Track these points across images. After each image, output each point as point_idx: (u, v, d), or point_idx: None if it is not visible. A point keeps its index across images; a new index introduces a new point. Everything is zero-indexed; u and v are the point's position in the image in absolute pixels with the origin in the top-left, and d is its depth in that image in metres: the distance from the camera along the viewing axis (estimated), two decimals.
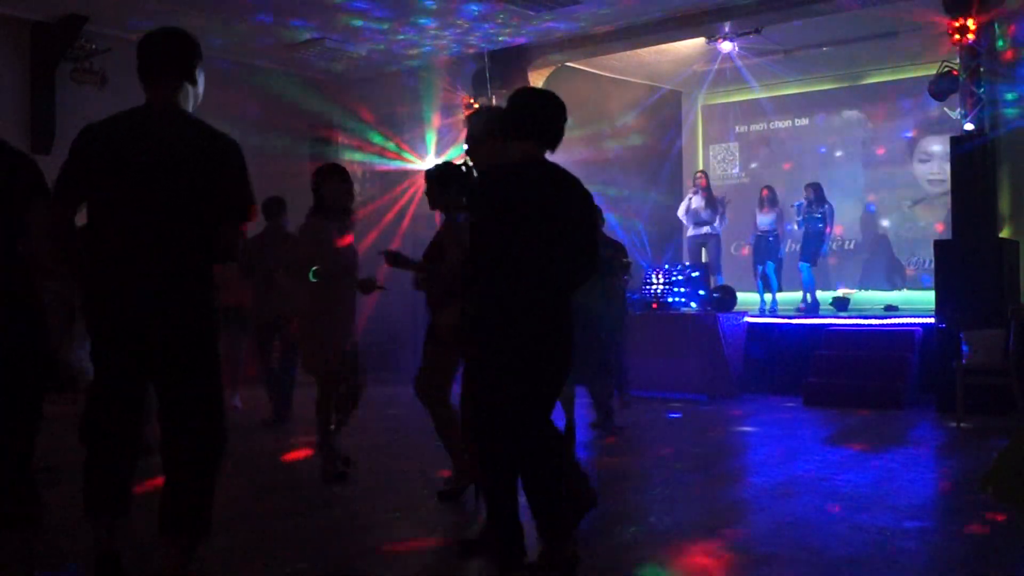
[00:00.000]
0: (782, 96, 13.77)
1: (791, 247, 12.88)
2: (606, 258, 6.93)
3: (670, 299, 10.77)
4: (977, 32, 8.71)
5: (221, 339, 7.46)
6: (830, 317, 10.44)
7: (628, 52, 11.56)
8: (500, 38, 11.00)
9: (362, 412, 5.81)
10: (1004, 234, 8.87)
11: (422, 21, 10.30)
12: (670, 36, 10.84)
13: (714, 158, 14.93)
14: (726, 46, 11.25)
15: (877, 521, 4.54)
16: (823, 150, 14.06)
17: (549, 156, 3.60)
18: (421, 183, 5.62)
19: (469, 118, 4.24)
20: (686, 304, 10.70)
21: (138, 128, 3.19)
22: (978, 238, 8.64)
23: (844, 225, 13.28)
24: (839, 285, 13.13)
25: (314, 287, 5.45)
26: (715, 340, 9.77)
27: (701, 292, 10.73)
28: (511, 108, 3.60)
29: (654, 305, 10.72)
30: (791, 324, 10.31)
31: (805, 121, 14.18)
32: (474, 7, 9.79)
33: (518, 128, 3.55)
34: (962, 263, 8.53)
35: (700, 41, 11.31)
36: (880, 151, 13.59)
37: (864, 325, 9.93)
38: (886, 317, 10.03)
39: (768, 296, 11.50)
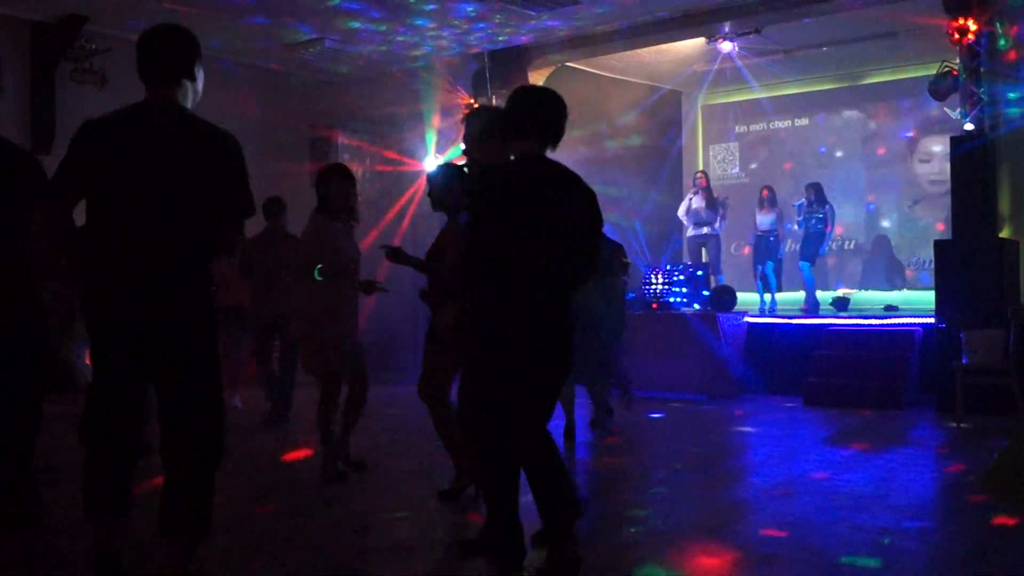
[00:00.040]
0: (782, 96, 13.77)
1: (791, 247, 12.89)
2: (605, 258, 6.93)
3: (670, 299, 10.79)
4: (977, 32, 8.70)
5: (221, 339, 7.46)
6: (830, 317, 10.43)
7: (628, 52, 11.56)
8: (500, 38, 11.00)
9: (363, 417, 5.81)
10: (1004, 234, 8.87)
11: (421, 22, 10.30)
12: (670, 36, 10.84)
13: (714, 158, 14.93)
14: (726, 46, 11.25)
15: (877, 521, 4.54)
16: (823, 150, 14.06)
17: (550, 154, 3.58)
18: (421, 184, 5.63)
19: (467, 118, 4.20)
20: (686, 304, 10.71)
21: (138, 125, 3.19)
22: (978, 238, 8.64)
23: (844, 225, 13.28)
24: (839, 285, 13.13)
25: (314, 287, 5.44)
26: (715, 340, 9.78)
27: (705, 292, 10.74)
28: (511, 106, 3.57)
29: (654, 305, 10.73)
30: (791, 324, 10.31)
31: (805, 121, 14.18)
32: (473, 7, 9.79)
33: (519, 127, 3.52)
34: (962, 263, 8.53)
35: (700, 41, 11.31)
36: (880, 151, 13.59)
37: (864, 325, 9.93)
38: (886, 317, 10.03)
39: (768, 296, 11.50)
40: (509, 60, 11.34)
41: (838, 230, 12.62)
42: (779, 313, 10.90)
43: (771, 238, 11.68)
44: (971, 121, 8.84)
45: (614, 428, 7.44)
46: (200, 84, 3.37)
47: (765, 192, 11.86)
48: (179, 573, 3.21)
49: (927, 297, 10.24)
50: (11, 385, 3.00)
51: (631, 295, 10.79)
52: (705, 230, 11.90)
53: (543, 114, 3.52)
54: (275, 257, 7.95)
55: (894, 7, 9.68)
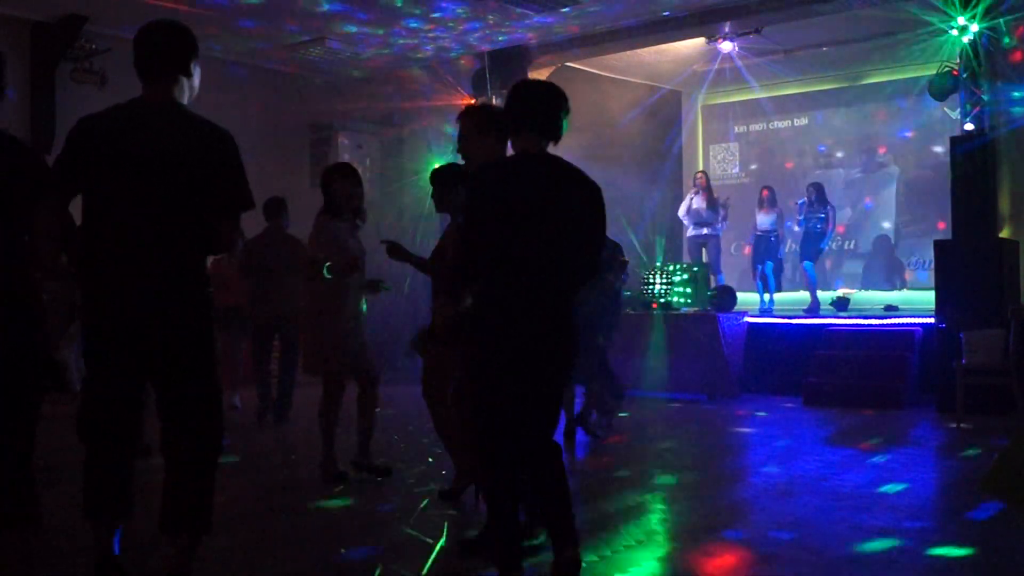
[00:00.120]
0: (782, 96, 13.76)
1: (791, 247, 12.89)
2: (604, 257, 6.92)
3: (670, 299, 10.78)
4: (979, 31, 8.69)
5: (221, 339, 7.47)
6: (830, 317, 10.43)
7: (628, 52, 11.56)
8: (500, 38, 11.00)
9: (351, 410, 5.80)
10: (1004, 234, 8.87)
11: (421, 22, 10.30)
12: (670, 36, 10.84)
13: (714, 158, 14.93)
14: (726, 46, 11.24)
15: (877, 521, 4.54)
16: (822, 149, 14.06)
17: (551, 149, 3.51)
18: (421, 184, 5.61)
19: (462, 115, 4.13)
20: (686, 304, 10.71)
21: (135, 121, 3.19)
22: (978, 238, 8.64)
23: (844, 225, 13.29)
24: (839, 285, 13.13)
25: (317, 287, 5.43)
26: (715, 340, 9.77)
27: (700, 292, 10.73)
28: (512, 101, 3.49)
29: (654, 305, 10.73)
30: (791, 324, 10.31)
31: (805, 121, 14.17)
32: (472, 7, 9.80)
33: (520, 121, 3.44)
34: (962, 263, 8.53)
35: (700, 41, 11.31)
36: (880, 151, 13.59)
37: (864, 325, 9.93)
38: (886, 317, 10.03)
39: (767, 296, 11.50)
40: (509, 60, 11.34)
41: (839, 229, 12.63)
42: (779, 313, 10.90)
43: (771, 238, 11.68)
44: (971, 121, 8.84)
45: (599, 432, 7.35)
46: (197, 81, 3.36)
47: (765, 192, 11.86)
48: (180, 571, 3.22)
49: (927, 297, 10.24)
50: (11, 385, 3.00)
51: (626, 293, 10.80)
52: (705, 230, 11.90)
53: (544, 108, 3.43)
54: (275, 257, 7.95)
55: (894, 7, 9.67)
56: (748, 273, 12.61)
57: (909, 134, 13.19)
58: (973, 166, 8.74)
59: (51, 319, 7.36)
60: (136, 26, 3.36)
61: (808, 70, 12.80)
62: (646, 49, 11.45)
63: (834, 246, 12.87)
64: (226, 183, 3.23)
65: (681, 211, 12.18)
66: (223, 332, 8.43)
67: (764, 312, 10.98)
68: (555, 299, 3.36)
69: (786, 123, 14.28)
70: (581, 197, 3.39)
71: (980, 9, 8.68)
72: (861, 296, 12.61)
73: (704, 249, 12.01)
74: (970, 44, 8.78)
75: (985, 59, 8.79)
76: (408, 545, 4.22)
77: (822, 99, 13.80)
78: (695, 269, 11.04)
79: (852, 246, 13.68)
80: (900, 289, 12.87)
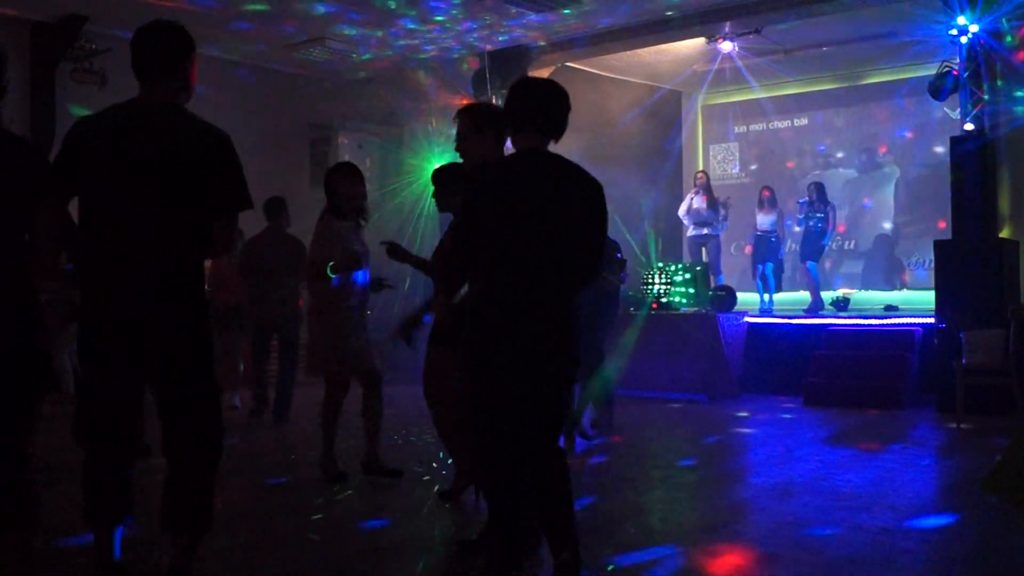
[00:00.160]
0: (782, 96, 13.77)
1: (791, 247, 12.89)
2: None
3: (670, 299, 10.79)
4: (980, 31, 8.69)
5: (221, 339, 7.46)
6: (830, 317, 10.44)
7: (628, 52, 11.56)
8: (500, 38, 11.00)
9: (353, 410, 5.80)
10: (1004, 234, 8.87)
11: (421, 22, 10.30)
12: (670, 36, 10.83)
13: (714, 158, 14.93)
14: (726, 46, 11.25)
15: (877, 521, 4.54)
16: (822, 149, 14.06)
17: (553, 148, 3.48)
18: (421, 184, 5.60)
19: (459, 113, 4.10)
20: (686, 304, 10.72)
21: (132, 122, 3.19)
22: (978, 238, 8.64)
23: (844, 225, 13.29)
24: (838, 283, 13.13)
25: (320, 287, 5.41)
26: (715, 340, 9.77)
27: (699, 292, 10.74)
28: (513, 99, 3.45)
29: (654, 305, 10.73)
30: (791, 324, 10.31)
31: (805, 121, 14.18)
32: (471, 7, 9.80)
33: (520, 120, 3.40)
34: (962, 263, 8.54)
35: (700, 41, 11.31)
36: (881, 151, 13.59)
37: (864, 325, 9.93)
38: (886, 317, 10.03)
39: (766, 296, 11.50)
40: (509, 60, 11.34)
41: (840, 228, 12.63)
42: (779, 313, 10.90)
43: (772, 239, 11.69)
44: (971, 121, 8.84)
45: (591, 432, 7.35)
46: (194, 81, 3.36)
47: (766, 193, 11.86)
48: (180, 571, 3.22)
49: (927, 297, 10.25)
50: (10, 384, 3.00)
51: (628, 294, 10.81)
52: (705, 230, 11.91)
53: (544, 107, 3.40)
54: (275, 257, 7.95)
55: (894, 7, 9.67)
56: (748, 273, 12.61)
57: (909, 134, 13.19)
58: (973, 166, 8.74)
59: (51, 319, 7.36)
60: (136, 26, 3.36)
61: (808, 70, 12.80)
62: (646, 49, 11.45)
63: (834, 246, 12.88)
64: (224, 183, 3.23)
65: (681, 211, 12.18)
66: (223, 332, 8.44)
67: (764, 312, 10.99)
68: (555, 299, 3.32)
69: (786, 123, 14.28)
70: (582, 196, 3.35)
71: (981, 9, 8.67)
72: (861, 296, 12.62)
73: (704, 249, 12.01)
74: (970, 44, 8.77)
75: (985, 59, 8.79)
76: (408, 545, 4.22)
77: (822, 99, 13.80)
78: (695, 269, 11.05)
79: (852, 246, 13.68)
80: (900, 289, 12.87)
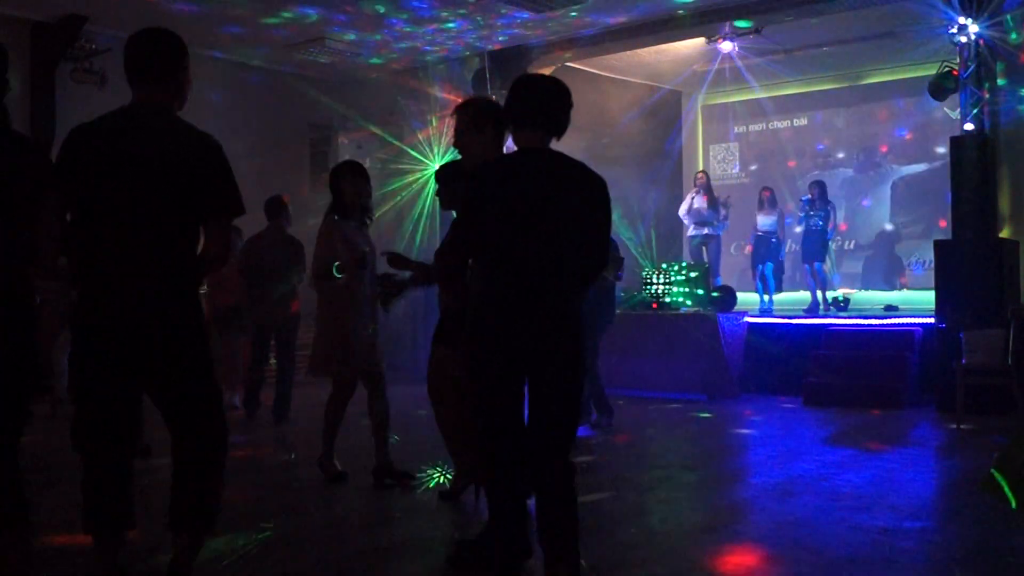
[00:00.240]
0: (782, 96, 13.77)
1: (791, 248, 12.89)
2: None
3: (670, 299, 10.79)
4: (983, 29, 8.68)
5: (221, 339, 7.43)
6: (830, 317, 10.44)
7: (628, 52, 11.57)
8: (500, 38, 11.01)
9: (357, 411, 5.80)
10: (1004, 234, 8.87)
11: (421, 22, 10.31)
12: (670, 36, 10.84)
13: (714, 158, 14.93)
14: (726, 46, 11.24)
15: (877, 521, 4.54)
16: (822, 149, 14.07)
17: (555, 146, 3.44)
18: (421, 184, 5.58)
19: (457, 109, 4.06)
20: (686, 304, 10.72)
21: (128, 125, 3.20)
22: (978, 238, 8.64)
23: (846, 224, 13.30)
24: (836, 280, 13.13)
25: (326, 288, 5.39)
26: (715, 340, 9.78)
27: (699, 292, 10.74)
28: (515, 96, 3.40)
29: (654, 305, 10.73)
30: (791, 324, 10.31)
31: (805, 121, 14.18)
32: (473, 7, 9.81)
33: (522, 117, 3.35)
34: (962, 263, 8.54)
35: (700, 41, 11.31)
36: (881, 150, 13.60)
37: (864, 325, 9.93)
38: (886, 317, 10.03)
39: (766, 297, 11.50)
40: (509, 60, 11.35)
41: (841, 227, 12.63)
42: (779, 313, 10.91)
43: (772, 240, 11.68)
44: (971, 121, 8.84)
45: (595, 432, 7.37)
46: (187, 87, 3.36)
47: (766, 193, 11.86)
48: (181, 571, 3.22)
49: (927, 297, 10.26)
50: (6, 384, 2.99)
51: (633, 295, 10.81)
52: (706, 230, 11.90)
53: (546, 104, 3.35)
54: (275, 257, 7.95)
55: (894, 7, 9.68)
56: (748, 273, 12.61)
57: (909, 134, 13.20)
58: (973, 166, 8.74)
59: (51, 319, 7.36)
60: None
61: (808, 70, 12.80)
62: (646, 49, 11.45)
63: (834, 246, 12.89)
64: (218, 188, 3.24)
65: (682, 211, 12.18)
66: (223, 332, 8.44)
67: (764, 312, 10.99)
68: (557, 299, 3.27)
69: (786, 123, 14.29)
70: (585, 194, 3.31)
71: (983, 7, 8.67)
72: (861, 296, 12.62)
73: (705, 249, 12.01)
74: (970, 44, 8.77)
75: (986, 59, 8.79)
76: (408, 545, 4.22)
77: (822, 99, 13.80)
78: (695, 269, 11.05)
79: (852, 246, 13.68)
80: (900, 289, 12.87)
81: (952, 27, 8.83)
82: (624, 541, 4.23)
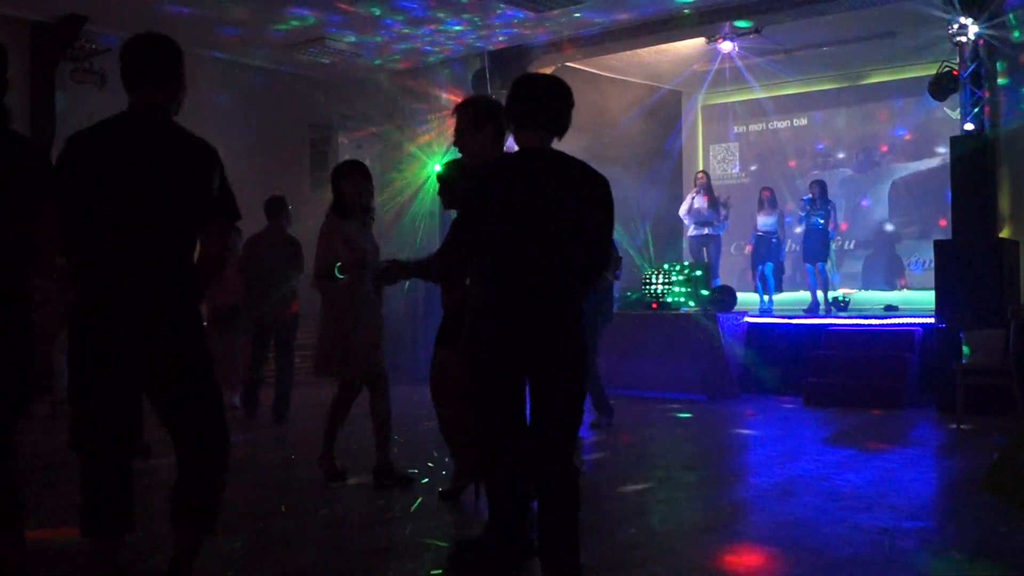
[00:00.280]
0: (782, 96, 13.78)
1: (791, 248, 12.89)
2: None
3: (670, 299, 10.79)
4: (984, 28, 8.68)
5: (222, 339, 7.41)
6: (830, 317, 10.44)
7: (628, 52, 11.56)
8: (500, 38, 11.01)
9: (362, 411, 5.79)
10: (1004, 234, 8.87)
11: (419, 22, 10.31)
12: (670, 36, 10.84)
13: (714, 158, 14.93)
14: (726, 46, 11.24)
15: (877, 521, 4.54)
16: (820, 147, 14.07)
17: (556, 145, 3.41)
18: (421, 183, 5.57)
19: (458, 108, 4.05)
20: (686, 304, 10.72)
21: (127, 127, 3.21)
22: (978, 238, 8.64)
23: (845, 224, 13.30)
24: (836, 281, 13.13)
25: (330, 289, 5.38)
26: (715, 340, 9.78)
27: (703, 292, 10.74)
28: (516, 96, 3.37)
29: (654, 305, 10.73)
30: (791, 324, 10.31)
31: (805, 121, 14.19)
32: (473, 7, 9.81)
33: (523, 117, 3.32)
34: (962, 263, 8.53)
35: (700, 41, 11.31)
36: (881, 150, 13.60)
37: (864, 325, 9.93)
38: (886, 317, 10.03)
39: (766, 297, 11.50)
40: (509, 60, 11.35)
41: (842, 227, 12.63)
42: (779, 313, 10.91)
43: (772, 240, 11.67)
44: (971, 121, 8.84)
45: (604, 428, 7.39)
46: (184, 92, 3.37)
47: (767, 193, 11.86)
48: (181, 571, 3.23)
49: (927, 297, 10.26)
50: (7, 385, 2.99)
51: (632, 295, 10.81)
52: (707, 230, 11.90)
53: (549, 104, 3.32)
54: (274, 257, 7.95)
55: (894, 7, 9.68)
56: (748, 273, 12.61)
57: (909, 134, 13.20)
58: (973, 166, 8.74)
59: (51, 319, 7.34)
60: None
61: (808, 70, 12.81)
62: (646, 49, 11.45)
63: (834, 246, 12.89)
64: (215, 194, 3.24)
65: (682, 211, 12.18)
66: (223, 332, 8.44)
67: (764, 312, 10.99)
68: (557, 299, 3.25)
69: (786, 123, 14.29)
70: (587, 194, 3.28)
71: (982, 8, 8.66)
72: (861, 296, 12.62)
73: (705, 249, 12.01)
74: (970, 43, 8.77)
75: (986, 59, 8.79)
76: (408, 545, 4.22)
77: (822, 99, 13.81)
78: (695, 269, 11.05)
79: (852, 246, 13.69)
80: (900, 289, 12.87)
81: (952, 27, 8.82)
82: (624, 541, 4.23)
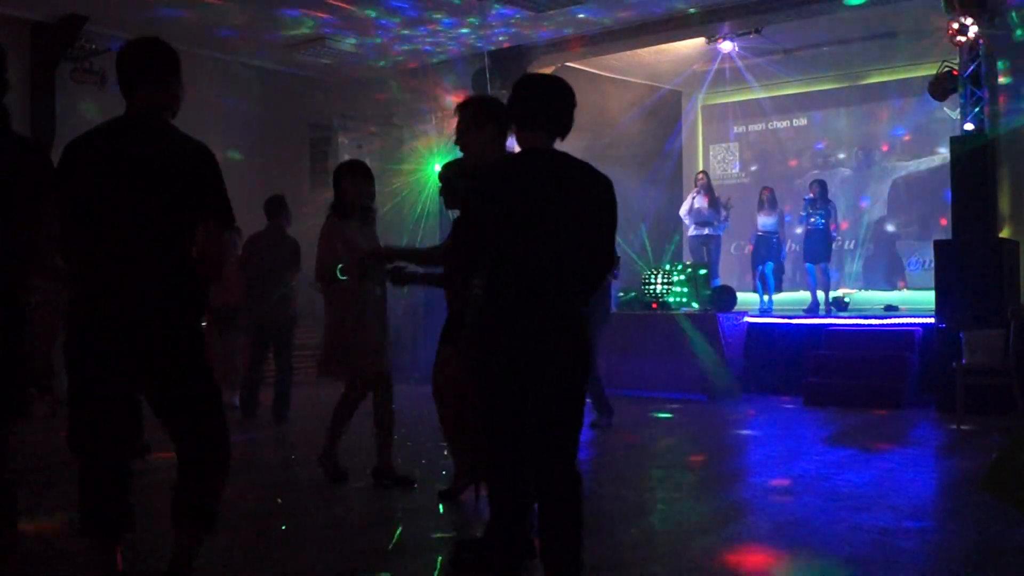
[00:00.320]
0: (782, 96, 13.78)
1: (792, 248, 12.89)
2: None
3: (670, 299, 10.79)
4: (985, 28, 8.68)
5: (221, 339, 7.41)
6: (830, 317, 10.44)
7: (628, 52, 11.57)
8: (500, 38, 11.01)
9: (362, 411, 5.79)
10: (1004, 234, 8.87)
11: (421, 22, 10.32)
12: (670, 36, 10.84)
13: (714, 158, 14.93)
14: (726, 46, 11.25)
15: (877, 521, 4.54)
16: (820, 147, 14.07)
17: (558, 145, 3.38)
18: (421, 183, 5.55)
19: (459, 107, 4.05)
20: (686, 304, 10.72)
21: (123, 130, 3.22)
22: (978, 238, 8.64)
23: (846, 223, 13.30)
24: (835, 277, 13.12)
25: (334, 290, 5.37)
26: (715, 340, 9.78)
27: (706, 292, 10.75)
28: (518, 96, 3.34)
29: (654, 305, 10.73)
30: (791, 324, 10.31)
31: (804, 121, 14.19)
32: (474, 7, 9.81)
33: (525, 118, 3.30)
34: (962, 263, 8.54)
35: (700, 41, 11.32)
36: (881, 150, 13.60)
37: (864, 325, 9.93)
38: (886, 317, 10.03)
39: (766, 297, 11.50)
40: (509, 60, 11.35)
41: (842, 226, 12.62)
42: (779, 313, 10.91)
43: (773, 240, 11.67)
44: (971, 121, 8.84)
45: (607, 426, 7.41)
46: (180, 96, 3.37)
47: (767, 192, 11.85)
48: (180, 571, 3.23)
49: (927, 297, 10.26)
50: (7, 385, 2.99)
51: (631, 295, 10.80)
52: (707, 230, 11.91)
53: (550, 104, 3.29)
54: (274, 256, 7.94)
55: (894, 7, 9.68)
56: (748, 273, 12.61)
57: (909, 134, 13.20)
58: (973, 166, 8.74)
59: (51, 319, 7.34)
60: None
61: (808, 70, 12.81)
62: (646, 49, 11.45)
63: (834, 246, 12.88)
64: (210, 197, 3.24)
65: (683, 211, 12.18)
66: (223, 332, 8.43)
67: (764, 312, 10.99)
68: (559, 300, 3.23)
69: (786, 123, 14.29)
70: (589, 195, 3.26)
71: (982, 7, 8.66)
72: (861, 296, 12.62)
73: (706, 249, 12.01)
74: (970, 43, 8.77)
75: (986, 58, 8.79)
76: (408, 545, 4.22)
77: (822, 99, 13.80)
78: (695, 269, 11.05)
79: (851, 246, 13.68)
80: (900, 289, 12.87)
81: (951, 27, 8.82)
82: (624, 541, 4.23)
